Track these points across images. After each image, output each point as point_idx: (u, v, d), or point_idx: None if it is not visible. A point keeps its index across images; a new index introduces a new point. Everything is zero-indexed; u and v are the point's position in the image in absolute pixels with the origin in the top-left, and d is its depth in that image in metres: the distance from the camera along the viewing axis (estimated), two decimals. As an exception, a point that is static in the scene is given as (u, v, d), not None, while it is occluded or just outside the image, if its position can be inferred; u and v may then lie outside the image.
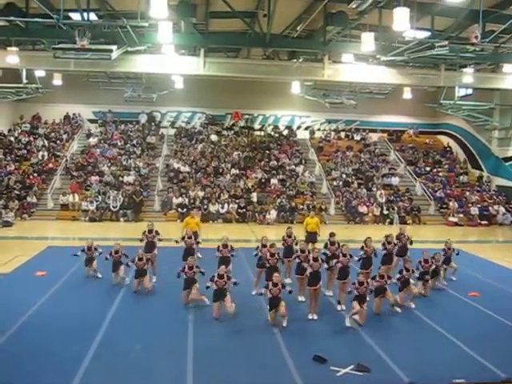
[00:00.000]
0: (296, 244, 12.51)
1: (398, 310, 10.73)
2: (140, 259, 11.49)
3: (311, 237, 14.89)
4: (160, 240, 12.97)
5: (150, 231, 12.89)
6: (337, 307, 10.68)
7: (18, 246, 16.63)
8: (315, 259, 10.38)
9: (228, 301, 9.87)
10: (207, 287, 9.98)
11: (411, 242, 13.29)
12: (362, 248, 11.91)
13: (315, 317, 10.18)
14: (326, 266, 10.99)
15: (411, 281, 11.26)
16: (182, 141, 29.81)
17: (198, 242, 13.13)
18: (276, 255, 11.16)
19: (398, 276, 10.98)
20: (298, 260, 11.14)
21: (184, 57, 20.62)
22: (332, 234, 12.35)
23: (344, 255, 10.96)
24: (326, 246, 12.04)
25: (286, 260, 12.27)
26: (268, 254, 11.15)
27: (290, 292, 9.97)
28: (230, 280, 10.09)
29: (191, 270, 10.56)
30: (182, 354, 8.16)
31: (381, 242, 12.65)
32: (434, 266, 12.14)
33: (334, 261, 11.15)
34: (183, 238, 12.67)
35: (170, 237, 13.78)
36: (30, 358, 7.83)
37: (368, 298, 10.08)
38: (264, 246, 11.54)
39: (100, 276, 12.62)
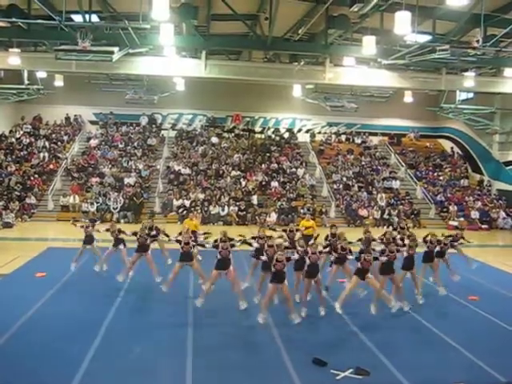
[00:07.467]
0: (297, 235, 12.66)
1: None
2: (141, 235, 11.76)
3: (307, 240, 14.78)
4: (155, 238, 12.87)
5: (150, 228, 12.78)
6: (335, 306, 10.56)
7: (18, 247, 16.63)
8: (313, 252, 10.32)
9: (231, 271, 10.07)
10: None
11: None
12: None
13: (323, 312, 10.26)
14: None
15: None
16: (183, 143, 29.83)
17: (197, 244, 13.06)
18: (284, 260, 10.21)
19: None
20: (296, 256, 10.45)
21: (185, 59, 20.67)
22: (333, 226, 12.44)
23: (343, 249, 10.96)
24: (326, 238, 12.10)
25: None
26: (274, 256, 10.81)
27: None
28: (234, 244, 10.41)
29: (187, 245, 10.72)
30: (182, 355, 8.15)
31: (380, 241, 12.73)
32: (438, 248, 12.18)
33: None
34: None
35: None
36: (30, 359, 7.81)
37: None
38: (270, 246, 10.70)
39: (99, 270, 12.76)
